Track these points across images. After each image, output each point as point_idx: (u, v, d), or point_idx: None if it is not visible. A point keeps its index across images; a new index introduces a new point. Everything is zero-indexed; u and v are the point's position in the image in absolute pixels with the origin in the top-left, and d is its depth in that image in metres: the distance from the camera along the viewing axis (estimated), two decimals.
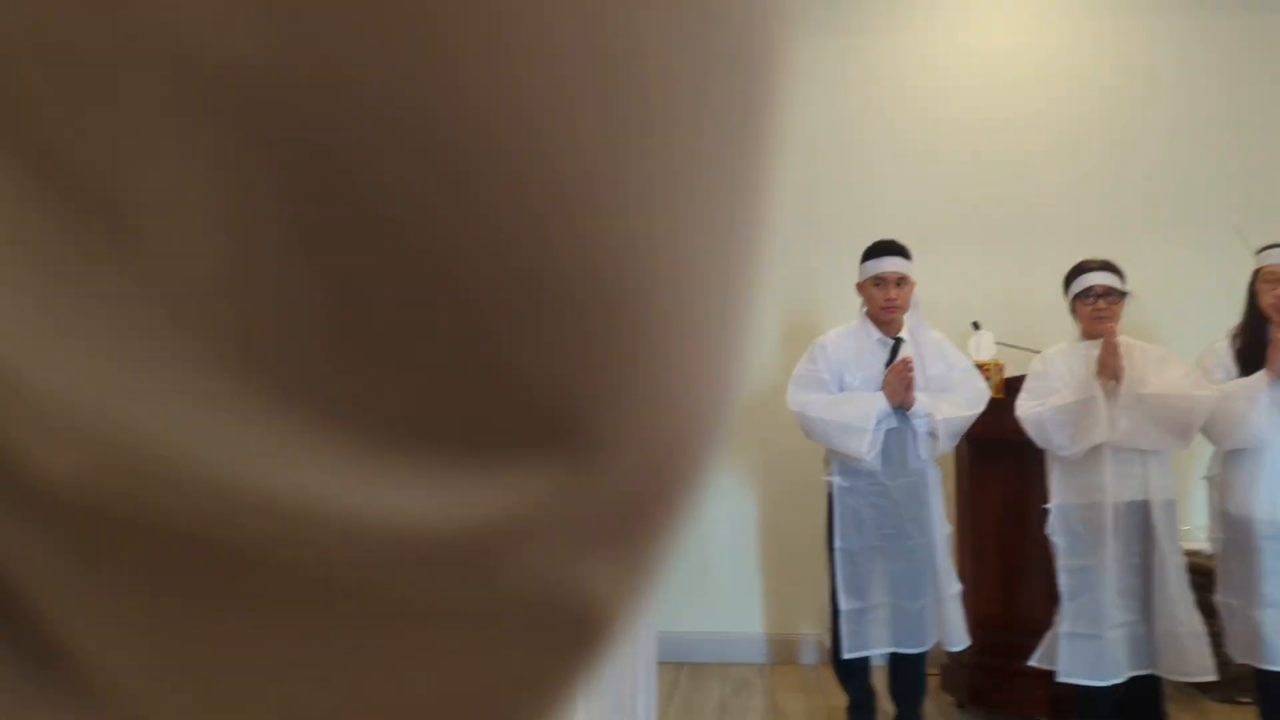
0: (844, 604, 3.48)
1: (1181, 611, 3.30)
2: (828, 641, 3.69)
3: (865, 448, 3.41)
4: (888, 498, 3.51)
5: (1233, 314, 3.57)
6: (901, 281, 3.58)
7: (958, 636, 3.53)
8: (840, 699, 3.79)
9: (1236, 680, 3.77)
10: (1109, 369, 3.35)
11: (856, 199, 5.18)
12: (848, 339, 3.67)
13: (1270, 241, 3.50)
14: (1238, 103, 5.03)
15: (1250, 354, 3.39)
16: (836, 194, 5.18)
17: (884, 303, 3.57)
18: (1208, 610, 3.38)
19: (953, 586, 3.55)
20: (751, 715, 4.19)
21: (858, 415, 3.44)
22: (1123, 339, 3.42)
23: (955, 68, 5.20)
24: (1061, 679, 3.45)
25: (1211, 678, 3.28)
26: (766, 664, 4.95)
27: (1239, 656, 3.33)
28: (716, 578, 4.97)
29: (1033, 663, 3.53)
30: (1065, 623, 3.44)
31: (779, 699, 4.39)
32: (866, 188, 5.19)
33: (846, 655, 3.50)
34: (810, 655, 5.00)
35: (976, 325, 4.48)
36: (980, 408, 3.57)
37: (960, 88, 5.18)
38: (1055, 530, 3.49)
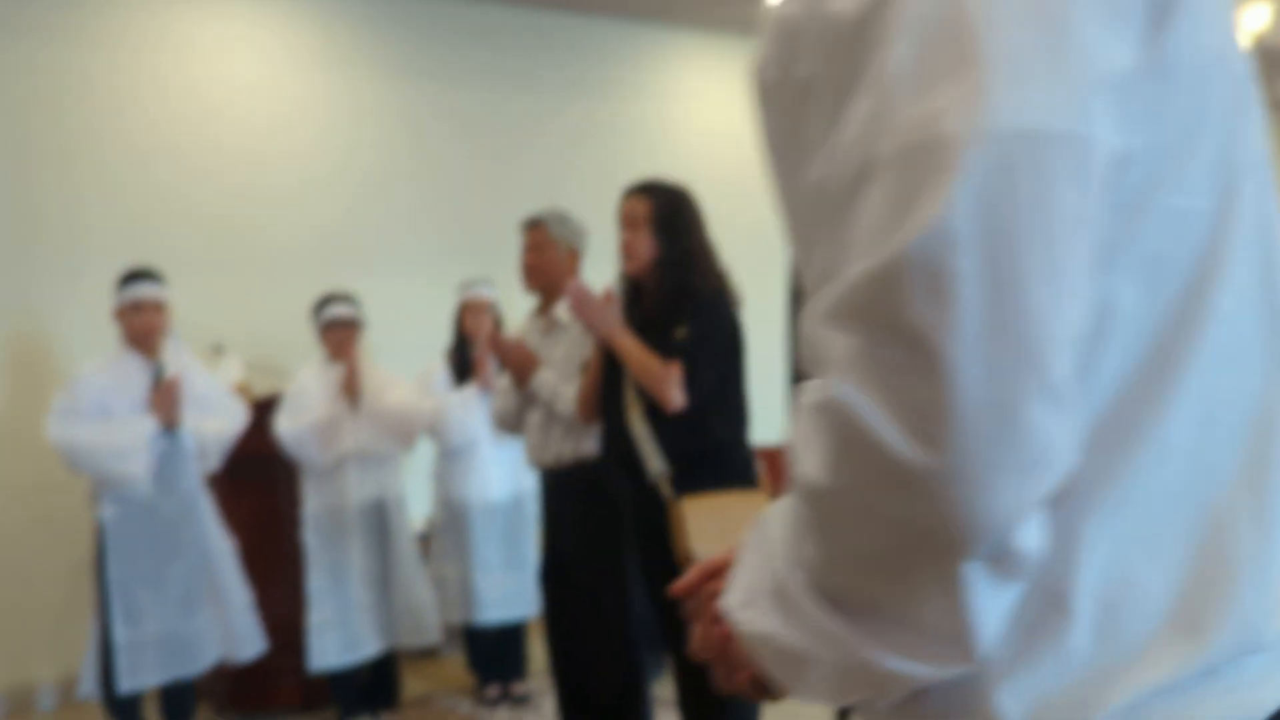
0: (120, 636, 3.43)
1: (416, 587, 3.97)
2: (92, 679, 3.55)
3: (140, 469, 3.43)
4: (161, 520, 3.56)
5: (442, 336, 4.36)
6: (159, 308, 3.66)
7: (249, 645, 3.71)
8: None
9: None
10: (351, 390, 3.87)
11: (87, 223, 4.99)
12: (108, 368, 3.62)
13: (471, 277, 4.38)
14: (427, 158, 6.01)
15: (461, 369, 4.22)
16: (60, 218, 4.93)
17: (142, 328, 3.61)
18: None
19: (241, 597, 3.72)
20: None
21: (129, 438, 3.43)
22: (364, 360, 3.97)
23: (210, 97, 5.31)
24: (314, 667, 3.86)
25: (437, 638, 4.00)
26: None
27: (455, 617, 4.11)
28: None
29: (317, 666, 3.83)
30: (316, 615, 3.86)
31: None
32: (104, 212, 5.03)
33: (125, 690, 3.45)
34: (49, 700, 4.68)
35: (219, 349, 4.69)
36: (240, 425, 3.80)
37: (225, 118, 5.34)
38: (309, 533, 3.90)
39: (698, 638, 0.80)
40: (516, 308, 4.95)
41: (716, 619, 0.75)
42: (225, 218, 5.36)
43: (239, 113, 5.45)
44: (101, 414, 3.50)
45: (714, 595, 0.76)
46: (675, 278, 2.59)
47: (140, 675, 3.49)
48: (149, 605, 3.52)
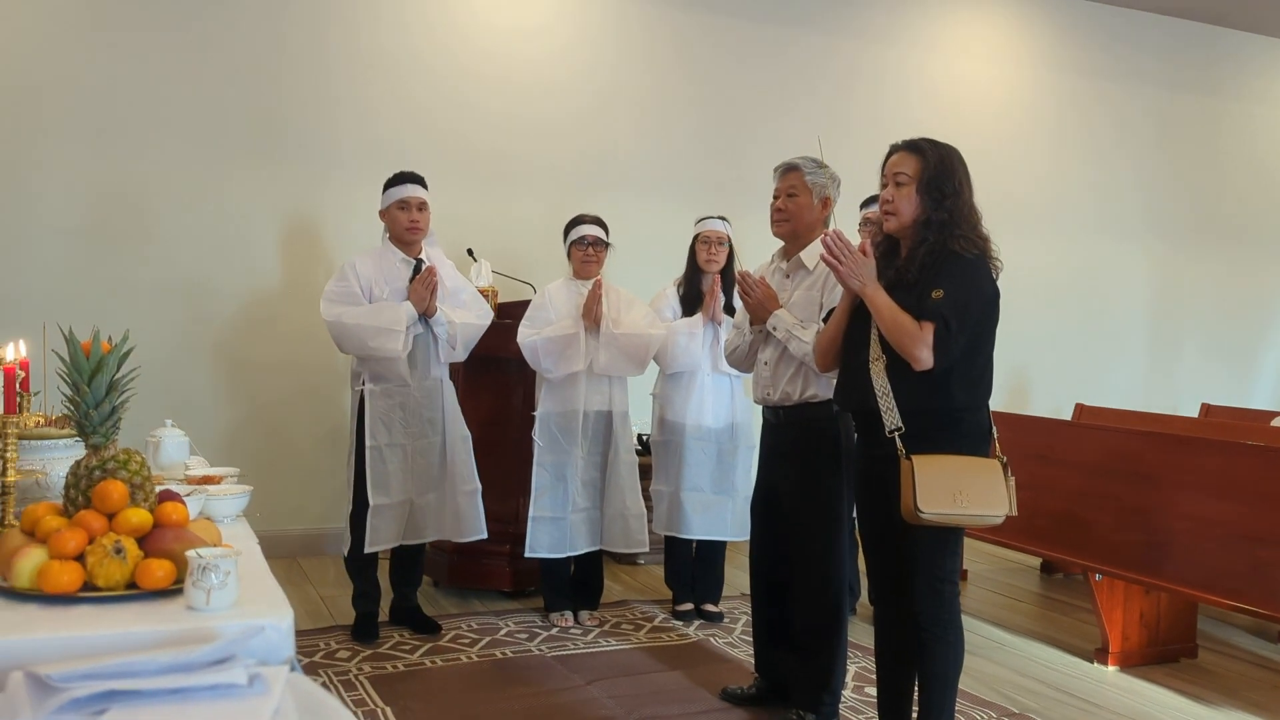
0: (372, 499, 3.84)
1: (629, 498, 4.21)
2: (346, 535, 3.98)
3: (400, 347, 3.79)
4: (411, 400, 3.93)
5: (677, 264, 4.52)
6: (422, 207, 3.97)
7: (471, 529, 4.06)
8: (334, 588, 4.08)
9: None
10: (591, 314, 4.09)
11: (338, 135, 5.41)
12: (372, 259, 3.97)
13: (706, 213, 4.50)
14: (697, 84, 6.13)
15: (690, 300, 4.37)
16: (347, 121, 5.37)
17: (408, 224, 3.93)
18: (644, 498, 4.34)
19: (469, 484, 4.07)
20: None
21: (391, 320, 3.79)
22: (606, 283, 4.17)
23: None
24: (528, 555, 4.18)
25: (646, 549, 4.24)
26: None
27: (663, 530, 4.33)
28: None
29: (529, 554, 4.15)
30: (535, 509, 4.16)
31: None
32: (359, 127, 5.44)
33: (369, 549, 3.86)
34: (296, 550, 5.26)
35: (471, 252, 5.02)
36: (488, 322, 4.10)
37: (496, 51, 5.66)
38: (539, 432, 4.19)
39: None
40: (749, 246, 5.06)
41: None
42: (482, 141, 5.68)
43: (503, 48, 5.75)
44: (366, 299, 3.87)
45: None
46: (936, 239, 2.62)
47: (381, 538, 3.89)
48: (395, 475, 3.90)
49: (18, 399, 1.96)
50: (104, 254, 4.93)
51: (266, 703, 1.29)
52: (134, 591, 1.57)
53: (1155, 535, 3.88)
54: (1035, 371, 7.20)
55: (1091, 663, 3.99)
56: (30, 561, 1.55)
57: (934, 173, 2.64)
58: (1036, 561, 5.63)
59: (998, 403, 6.80)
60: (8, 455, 1.80)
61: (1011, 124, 7.14)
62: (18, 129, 4.79)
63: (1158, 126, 7.65)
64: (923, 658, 2.71)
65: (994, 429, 2.71)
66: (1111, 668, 3.94)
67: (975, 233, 2.65)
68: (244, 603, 1.57)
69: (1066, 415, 6.39)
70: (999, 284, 2.69)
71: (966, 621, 4.38)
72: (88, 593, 1.55)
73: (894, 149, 2.75)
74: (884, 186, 2.73)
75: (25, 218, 4.80)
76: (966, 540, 5.47)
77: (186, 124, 5.07)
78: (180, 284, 5.06)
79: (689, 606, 4.39)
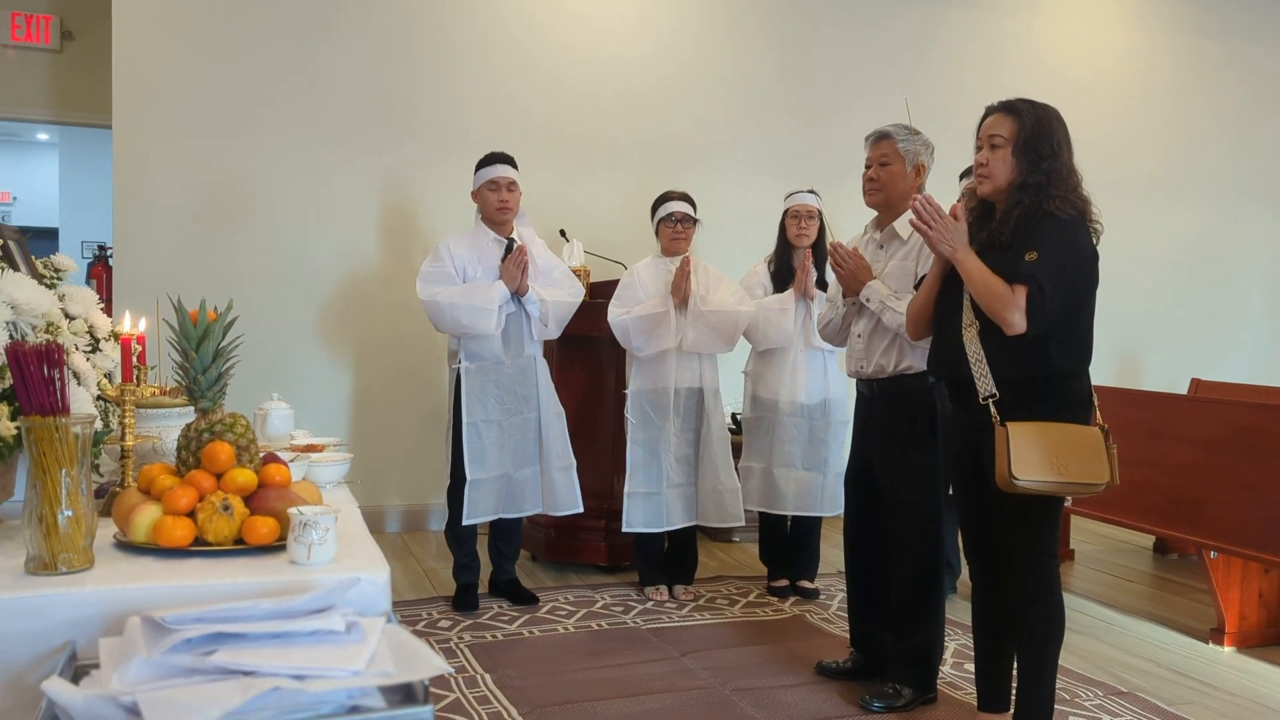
0: (470, 474, 3.93)
1: (723, 473, 4.21)
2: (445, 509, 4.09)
3: (492, 325, 3.86)
4: (506, 377, 4.01)
5: (767, 241, 4.49)
6: (512, 187, 4.03)
7: (567, 503, 4.13)
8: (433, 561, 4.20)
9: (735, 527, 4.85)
10: (680, 292, 4.10)
11: (451, 116, 5.51)
12: (466, 239, 4.05)
13: (797, 188, 4.46)
14: (786, 55, 6.08)
15: (781, 275, 4.34)
16: (430, 110, 5.47)
17: (498, 204, 3.99)
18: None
19: (564, 460, 4.14)
20: None
21: (484, 299, 3.87)
22: (694, 260, 4.18)
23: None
24: (626, 530, 4.22)
25: (740, 523, 4.24)
26: None
27: (755, 505, 4.33)
28: None
29: (626, 529, 4.20)
30: (630, 485, 4.20)
31: None
32: (462, 111, 5.53)
33: (467, 521, 3.96)
34: (395, 524, 5.42)
35: (563, 233, 5.08)
36: (579, 300, 4.14)
37: (584, 30, 5.71)
38: (631, 410, 4.22)
39: None
40: (840, 219, 5.00)
41: None
42: (571, 121, 5.73)
43: (591, 26, 5.77)
44: (460, 278, 3.95)
45: None
46: (1031, 202, 2.54)
47: (479, 511, 3.98)
48: (492, 450, 3.98)
49: (135, 371, 2.07)
50: (213, 238, 5.14)
51: (363, 649, 1.34)
52: (240, 546, 1.64)
53: (1275, 511, 3.71)
54: (1149, 346, 6.95)
55: (1206, 643, 3.85)
56: (146, 517, 1.64)
57: (1030, 134, 2.57)
58: (1148, 542, 5.45)
59: (1109, 378, 6.61)
60: (126, 421, 1.91)
61: (1124, 89, 6.88)
62: (140, 122, 5.02)
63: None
64: (1022, 632, 2.65)
65: (1094, 396, 2.62)
66: (1228, 648, 3.79)
67: (1074, 194, 2.56)
68: (342, 558, 1.63)
69: (1182, 391, 6.14)
70: (1099, 248, 2.60)
71: (1073, 601, 4.29)
72: (198, 547, 1.63)
73: (989, 111, 2.68)
74: (979, 150, 2.67)
75: (144, 205, 5.04)
76: (1074, 520, 5.34)
77: (291, 112, 5.25)
78: (284, 266, 5.25)
79: (784, 582, 4.38)
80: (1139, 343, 6.92)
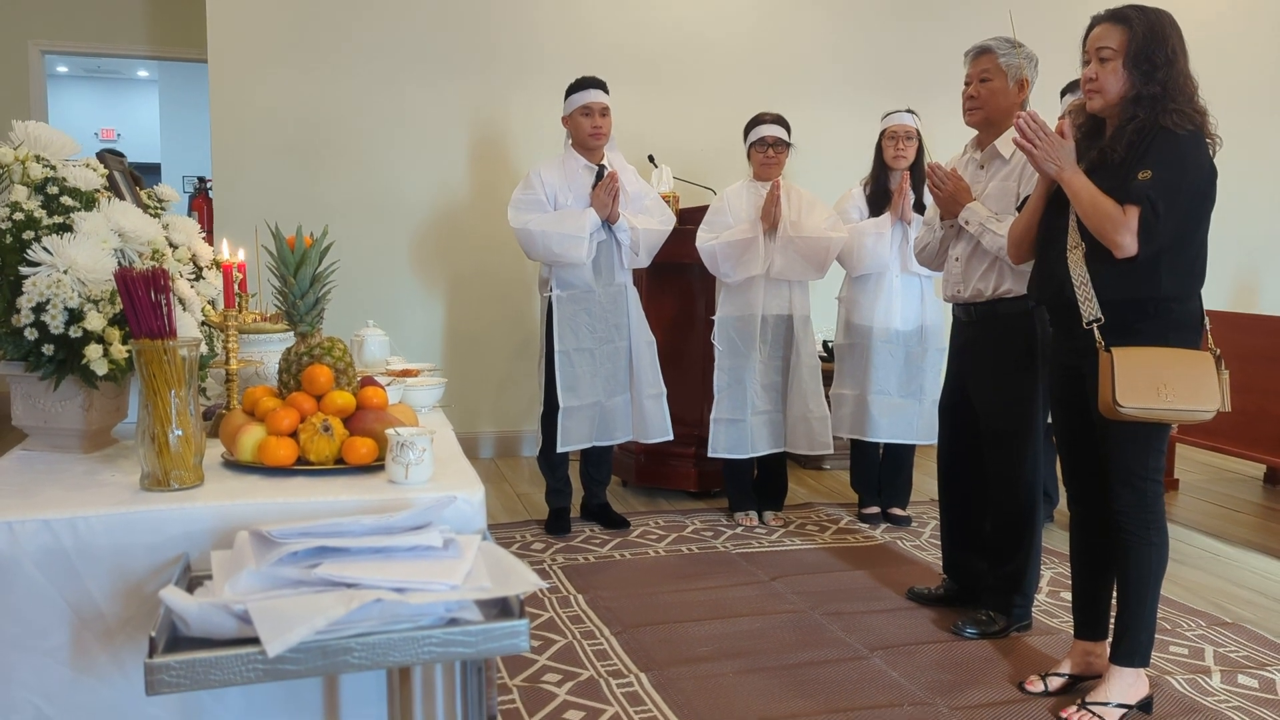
0: (563, 401, 3.97)
1: (811, 401, 4.18)
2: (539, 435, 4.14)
3: (584, 254, 3.86)
4: (598, 305, 4.01)
5: (863, 164, 4.38)
6: (604, 112, 3.98)
7: (658, 430, 4.15)
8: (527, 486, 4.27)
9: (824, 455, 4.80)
10: (769, 217, 4.03)
11: (538, 43, 5.46)
12: (557, 166, 4.03)
13: (894, 108, 4.32)
14: None
15: (877, 199, 4.24)
16: (514, 42, 5.42)
17: (591, 130, 3.95)
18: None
19: (655, 388, 4.15)
20: None
21: (575, 226, 3.86)
22: (784, 183, 4.10)
23: None
24: (711, 455, 4.23)
25: (830, 451, 4.22)
26: None
27: (847, 433, 4.29)
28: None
29: (711, 454, 4.22)
30: (716, 411, 4.19)
31: None
32: (547, 41, 5.47)
33: (561, 449, 4.01)
34: (488, 450, 5.53)
35: (652, 159, 5.03)
36: (670, 227, 4.11)
37: None
38: (717, 337, 4.20)
39: None
40: (939, 139, 4.83)
41: None
42: (658, 43, 5.63)
43: None
44: (551, 206, 3.94)
45: None
46: (1146, 116, 2.41)
47: (572, 438, 4.02)
48: (584, 378, 4.01)
49: (237, 298, 2.12)
50: (307, 169, 5.22)
51: (460, 564, 1.37)
52: (341, 466, 1.69)
53: None
54: (1266, 269, 6.61)
55: None
56: (251, 438, 1.70)
57: (1142, 43, 2.42)
58: (1258, 471, 5.25)
59: (1222, 302, 6.33)
60: (230, 346, 1.97)
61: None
62: (234, 55, 5.10)
63: None
64: (1123, 560, 2.58)
65: (1206, 319, 2.51)
66: None
67: (1191, 106, 2.41)
68: (439, 478, 1.67)
69: None
70: (1217, 162, 2.46)
71: (1176, 531, 4.16)
72: (301, 466, 1.68)
73: (1095, 21, 2.53)
74: (1086, 64, 2.53)
75: (241, 138, 5.14)
76: (1179, 448, 5.17)
77: (381, 44, 5.27)
78: (376, 197, 5.31)
79: (875, 510, 4.36)
80: (1256, 266, 6.59)
